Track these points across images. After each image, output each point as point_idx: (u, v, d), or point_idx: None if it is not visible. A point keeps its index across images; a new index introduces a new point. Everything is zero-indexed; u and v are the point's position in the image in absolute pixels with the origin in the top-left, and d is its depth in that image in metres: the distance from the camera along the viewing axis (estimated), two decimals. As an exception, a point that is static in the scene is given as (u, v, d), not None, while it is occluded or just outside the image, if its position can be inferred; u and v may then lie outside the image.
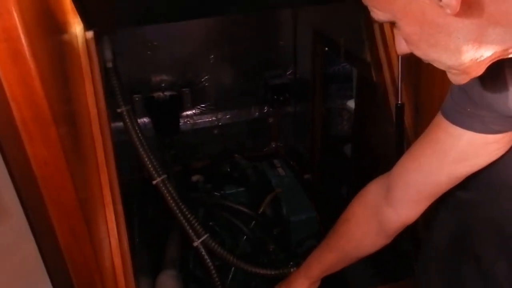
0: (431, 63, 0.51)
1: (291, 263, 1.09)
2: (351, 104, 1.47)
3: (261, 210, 1.13)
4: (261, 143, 1.60)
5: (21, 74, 0.45)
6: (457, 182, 0.62)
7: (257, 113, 1.54)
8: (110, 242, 0.81)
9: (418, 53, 0.50)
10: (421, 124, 0.96)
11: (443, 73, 0.52)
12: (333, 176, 1.54)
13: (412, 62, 0.90)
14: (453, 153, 0.60)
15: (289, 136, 1.62)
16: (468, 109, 0.57)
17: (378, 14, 0.49)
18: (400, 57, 0.87)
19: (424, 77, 0.94)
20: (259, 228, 1.13)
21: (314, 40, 1.36)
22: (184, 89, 1.39)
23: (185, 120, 1.46)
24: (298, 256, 1.09)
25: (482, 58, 0.47)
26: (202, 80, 1.42)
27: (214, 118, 1.49)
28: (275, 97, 1.48)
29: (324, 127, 1.53)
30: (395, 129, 0.87)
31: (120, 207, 0.86)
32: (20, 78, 0.45)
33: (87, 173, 0.73)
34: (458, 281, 0.64)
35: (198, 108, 1.46)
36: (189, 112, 1.45)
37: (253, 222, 1.12)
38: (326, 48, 1.32)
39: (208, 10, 1.09)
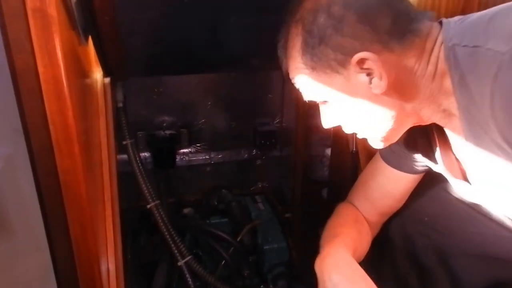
0: (357, 133, 0.64)
1: (262, 286, 1.24)
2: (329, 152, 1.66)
3: (239, 238, 1.28)
4: (249, 182, 1.76)
5: (60, 106, 0.64)
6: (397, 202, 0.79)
7: (246, 155, 1.71)
8: (108, 268, 0.92)
9: (347, 125, 0.62)
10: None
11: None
12: (311, 217, 1.70)
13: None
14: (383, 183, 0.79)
15: (274, 177, 1.79)
16: (396, 154, 0.75)
17: (309, 96, 0.61)
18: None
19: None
20: (237, 255, 1.28)
21: (297, 95, 1.57)
22: (182, 130, 1.58)
23: (181, 157, 1.64)
24: (268, 281, 1.24)
25: (399, 130, 0.61)
26: (199, 123, 1.61)
27: (207, 157, 1.67)
28: (263, 142, 1.65)
29: (305, 171, 1.71)
30: (350, 172, 1.05)
31: (118, 234, 0.98)
32: (59, 109, 0.64)
33: (95, 191, 0.90)
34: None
35: (194, 147, 1.65)
36: (185, 150, 1.63)
37: (232, 248, 1.28)
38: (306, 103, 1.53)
39: (209, 68, 1.30)
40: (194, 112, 1.60)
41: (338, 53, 0.55)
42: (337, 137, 1.51)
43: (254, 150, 1.71)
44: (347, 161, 1.33)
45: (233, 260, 1.26)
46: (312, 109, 1.60)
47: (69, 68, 0.68)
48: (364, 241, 0.77)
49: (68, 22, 0.73)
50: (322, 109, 0.65)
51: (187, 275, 1.21)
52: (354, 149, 1.05)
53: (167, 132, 1.54)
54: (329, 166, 1.56)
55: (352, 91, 0.58)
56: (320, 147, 1.77)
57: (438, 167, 0.70)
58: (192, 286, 1.21)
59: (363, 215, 0.82)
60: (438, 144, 0.67)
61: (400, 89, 0.56)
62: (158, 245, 1.37)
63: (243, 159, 1.71)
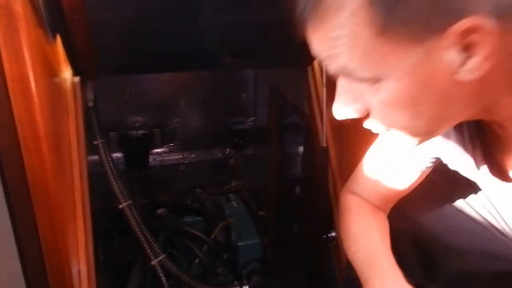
0: (389, 129, 0.47)
1: (235, 282, 1.25)
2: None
3: (213, 235, 1.29)
4: (223, 181, 1.77)
5: (27, 105, 0.63)
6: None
7: (220, 154, 1.72)
8: (79, 269, 0.91)
9: (386, 119, 0.45)
10: (346, 167, 1.17)
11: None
12: (286, 214, 1.72)
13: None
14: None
15: (248, 176, 1.80)
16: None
17: (348, 68, 0.41)
18: (324, 103, 1.08)
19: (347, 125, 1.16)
20: (211, 252, 1.29)
21: (270, 94, 1.59)
22: (155, 129, 1.57)
23: (154, 157, 1.63)
24: (242, 277, 1.25)
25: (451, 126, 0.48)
26: (172, 122, 1.61)
27: (180, 157, 1.67)
28: (236, 140, 1.67)
29: (279, 169, 1.73)
30: (319, 169, 1.07)
31: (90, 235, 0.98)
32: (26, 108, 0.63)
33: (65, 191, 0.89)
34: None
35: (167, 147, 1.64)
36: (158, 150, 1.62)
37: (206, 246, 1.28)
38: (279, 102, 1.55)
39: (182, 67, 1.30)
40: (167, 112, 1.60)
41: (434, 13, 0.37)
42: (309, 134, 1.54)
43: (228, 149, 1.72)
44: (318, 157, 1.36)
45: (207, 258, 1.26)
46: (285, 107, 1.64)
47: (36, 66, 0.67)
48: (387, 231, 0.72)
49: (35, 20, 0.72)
50: (348, 91, 0.46)
51: (161, 274, 1.21)
52: (324, 145, 1.07)
53: (140, 132, 1.53)
54: (301, 163, 1.59)
55: (426, 72, 0.39)
56: (294, 145, 1.80)
57: (466, 167, 0.58)
58: (166, 286, 1.21)
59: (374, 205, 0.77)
60: (479, 144, 0.54)
61: (492, 75, 0.40)
62: (131, 246, 1.36)
63: (216, 158, 1.72)
